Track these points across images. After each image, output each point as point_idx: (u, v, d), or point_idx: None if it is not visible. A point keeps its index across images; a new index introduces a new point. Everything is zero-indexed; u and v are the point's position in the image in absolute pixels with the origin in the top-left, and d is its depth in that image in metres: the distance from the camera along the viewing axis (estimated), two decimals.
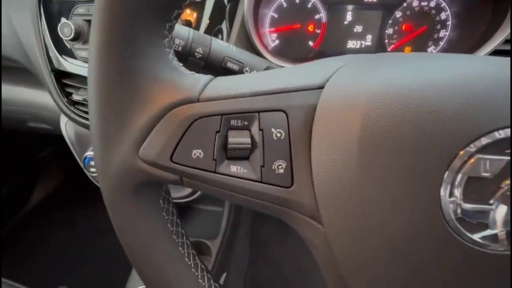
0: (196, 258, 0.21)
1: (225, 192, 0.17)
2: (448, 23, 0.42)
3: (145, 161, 0.16)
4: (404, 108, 0.13)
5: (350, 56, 0.18)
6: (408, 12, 0.42)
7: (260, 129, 0.16)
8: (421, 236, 0.13)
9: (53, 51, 0.44)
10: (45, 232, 1.06)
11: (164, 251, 0.19)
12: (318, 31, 0.45)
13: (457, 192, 0.13)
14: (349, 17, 0.44)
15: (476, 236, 0.13)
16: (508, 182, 0.12)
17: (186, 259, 0.20)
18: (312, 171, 0.15)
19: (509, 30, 0.36)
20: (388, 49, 0.44)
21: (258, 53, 0.41)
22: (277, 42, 0.47)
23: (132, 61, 0.15)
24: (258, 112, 0.16)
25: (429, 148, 0.13)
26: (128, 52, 0.15)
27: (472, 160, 0.12)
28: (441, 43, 0.43)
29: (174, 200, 0.64)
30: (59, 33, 0.39)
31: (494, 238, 0.13)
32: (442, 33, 0.42)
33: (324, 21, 0.44)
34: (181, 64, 0.17)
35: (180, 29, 0.25)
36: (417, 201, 0.13)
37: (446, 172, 0.13)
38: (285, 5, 0.44)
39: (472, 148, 0.12)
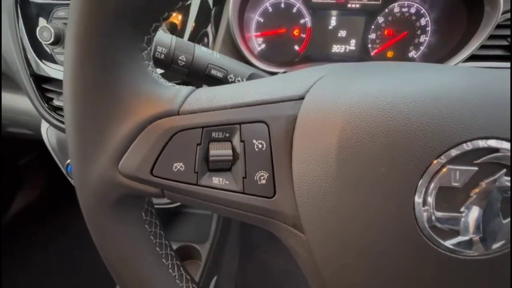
0: (181, 268, 0.21)
1: (208, 204, 0.17)
2: (427, 28, 0.43)
3: (125, 175, 0.16)
4: (379, 121, 0.13)
5: (331, 66, 0.18)
6: (389, 18, 0.43)
7: (242, 141, 0.16)
8: (397, 243, 0.14)
9: (32, 55, 0.43)
10: (25, 243, 1.01)
11: (147, 265, 0.19)
12: (304, 35, 0.46)
13: (430, 201, 0.13)
14: (333, 22, 0.44)
15: (449, 243, 0.13)
16: (476, 190, 0.13)
17: (170, 270, 0.20)
18: (293, 182, 0.15)
19: (483, 37, 0.37)
20: (372, 54, 0.45)
21: (243, 58, 0.41)
22: (263, 46, 0.47)
23: (109, 74, 0.15)
24: (239, 123, 0.16)
25: (402, 159, 0.13)
26: (104, 65, 0.15)
27: (443, 170, 0.13)
28: (422, 48, 0.44)
29: (162, 206, 0.62)
30: (38, 37, 0.38)
31: (465, 244, 0.13)
32: (422, 38, 0.44)
33: (309, 26, 0.45)
34: (160, 76, 0.17)
35: (162, 36, 0.25)
36: (392, 210, 0.13)
37: (419, 182, 0.13)
38: (270, 9, 0.44)
39: (442, 159, 0.13)
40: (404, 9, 0.42)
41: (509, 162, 0.13)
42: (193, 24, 0.39)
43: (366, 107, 0.14)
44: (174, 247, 0.67)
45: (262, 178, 0.16)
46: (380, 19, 0.43)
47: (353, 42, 0.45)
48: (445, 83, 0.14)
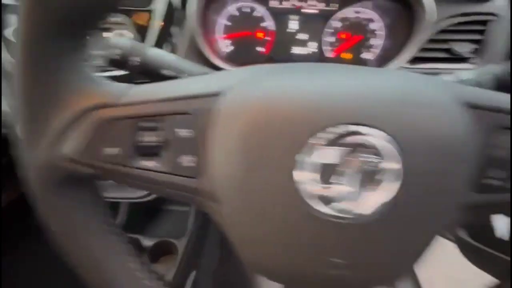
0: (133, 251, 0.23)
1: (140, 184, 0.20)
2: (381, 33, 0.47)
3: (64, 158, 0.19)
4: (271, 111, 0.17)
5: (256, 66, 0.21)
6: (345, 23, 0.47)
7: (170, 129, 0.18)
8: (287, 212, 0.17)
9: (5, 53, 0.44)
10: (7, 243, 1.01)
11: (93, 242, 0.21)
12: (268, 38, 0.49)
13: (311, 175, 0.16)
14: (294, 26, 0.48)
15: (329, 210, 0.17)
16: (349, 167, 0.16)
17: (115, 247, 0.22)
18: (213, 164, 0.18)
19: (418, 43, 0.41)
20: (329, 56, 0.49)
21: (206, 59, 0.44)
22: (230, 48, 0.50)
23: (50, 74, 0.18)
24: (168, 114, 0.18)
25: (285, 140, 0.16)
26: (46, 66, 0.17)
27: (320, 148, 0.16)
28: (377, 51, 0.48)
29: (134, 200, 0.64)
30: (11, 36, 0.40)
31: (342, 211, 0.17)
32: (376, 42, 0.47)
33: (272, 29, 0.48)
34: (101, 75, 0.20)
35: (117, 39, 0.27)
36: (280, 184, 0.17)
37: (300, 159, 0.16)
38: (236, 13, 0.47)
39: (316, 139, 0.16)
40: (358, 14, 0.46)
41: (371, 143, 0.16)
42: (161, 24, 0.42)
43: (264, 100, 0.17)
44: (151, 242, 0.69)
45: (187, 161, 0.19)
46: (337, 23, 0.47)
47: (313, 44, 0.49)
48: (332, 80, 0.17)
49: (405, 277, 0.20)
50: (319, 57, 0.49)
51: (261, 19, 0.47)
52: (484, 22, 0.45)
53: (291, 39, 0.48)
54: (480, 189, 0.18)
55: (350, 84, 0.17)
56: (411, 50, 0.42)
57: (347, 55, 0.49)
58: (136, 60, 0.27)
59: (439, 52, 0.46)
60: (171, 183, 0.19)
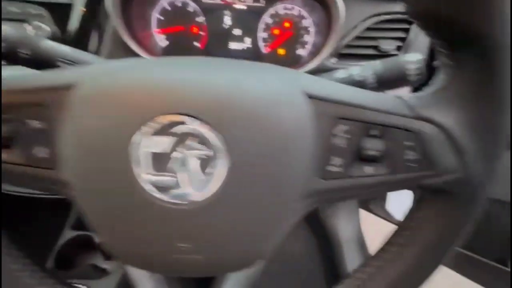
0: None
1: None
2: (310, 29, 0.48)
3: None
4: (108, 100, 0.18)
5: (117, 61, 0.21)
6: (276, 19, 0.48)
7: (21, 121, 0.19)
8: (129, 202, 0.18)
9: None
10: None
11: None
12: (202, 33, 0.49)
13: (145, 164, 0.17)
14: (227, 21, 0.48)
15: (165, 197, 0.17)
16: (178, 155, 0.17)
17: None
18: (65, 155, 0.19)
19: (334, 41, 0.43)
20: (264, 52, 0.50)
21: (136, 54, 0.44)
22: (166, 43, 0.50)
23: None
24: (20, 105, 0.19)
25: (119, 131, 0.17)
26: None
27: (151, 138, 0.17)
28: (308, 47, 0.49)
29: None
30: None
31: (179, 197, 0.18)
32: (307, 38, 0.49)
33: (205, 24, 0.48)
34: None
35: (7, 30, 0.27)
36: (119, 175, 0.17)
37: (133, 149, 0.17)
38: (168, 7, 0.47)
39: (147, 129, 0.17)
40: (287, 11, 0.47)
41: (198, 132, 0.17)
42: (83, 10, 0.41)
43: (106, 91, 0.18)
44: (72, 235, 0.68)
45: (42, 152, 0.19)
46: (268, 19, 0.48)
47: (248, 40, 0.49)
48: (173, 72, 0.18)
49: (260, 262, 0.21)
50: (255, 53, 0.50)
51: (194, 14, 0.48)
52: (408, 21, 0.47)
53: (226, 35, 0.49)
54: (325, 176, 0.20)
55: (187, 76, 0.18)
56: (328, 48, 0.43)
57: (282, 51, 0.50)
58: (25, 52, 0.27)
59: (367, 49, 0.48)
60: (28, 174, 0.19)
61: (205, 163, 0.17)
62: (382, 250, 0.24)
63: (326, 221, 0.87)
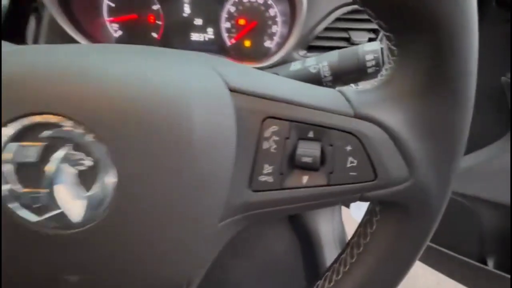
0: None
1: None
2: (277, 19, 0.44)
3: None
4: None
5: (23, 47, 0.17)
6: (240, 7, 0.44)
7: None
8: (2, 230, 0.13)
9: None
10: None
11: None
12: (159, 22, 0.45)
13: (11, 180, 0.13)
14: (187, 9, 0.44)
15: (41, 219, 0.13)
16: (52, 166, 0.13)
17: None
18: None
19: (298, 31, 0.39)
20: (229, 43, 0.46)
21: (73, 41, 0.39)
22: (119, 33, 0.45)
23: None
24: None
25: None
26: None
27: (13, 145, 0.13)
28: (275, 38, 0.46)
29: None
30: None
31: (56, 219, 0.14)
32: (274, 29, 0.45)
33: (161, 12, 0.44)
34: None
35: None
36: None
37: None
38: None
39: (8, 132, 0.13)
40: (252, 0, 0.43)
41: (74, 137, 0.13)
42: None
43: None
44: None
45: None
46: (232, 8, 0.44)
47: (210, 30, 0.45)
48: (41, 62, 0.14)
49: (194, 281, 0.17)
50: (219, 44, 0.46)
51: (149, 1, 0.43)
52: None
53: (185, 24, 0.45)
54: (254, 187, 0.16)
55: (65, 64, 0.14)
56: (293, 39, 0.40)
57: (248, 43, 0.46)
58: None
59: (339, 41, 0.45)
60: None
61: (87, 177, 0.13)
62: (339, 264, 0.21)
63: (307, 220, 0.84)
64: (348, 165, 0.15)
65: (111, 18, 0.44)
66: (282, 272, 0.89)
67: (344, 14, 0.44)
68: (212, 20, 0.45)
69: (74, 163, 0.13)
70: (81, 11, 0.41)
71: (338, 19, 0.44)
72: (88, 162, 0.13)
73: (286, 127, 0.16)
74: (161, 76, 0.14)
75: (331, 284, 0.20)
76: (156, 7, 0.43)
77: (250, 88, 0.16)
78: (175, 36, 0.46)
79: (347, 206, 0.81)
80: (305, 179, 0.16)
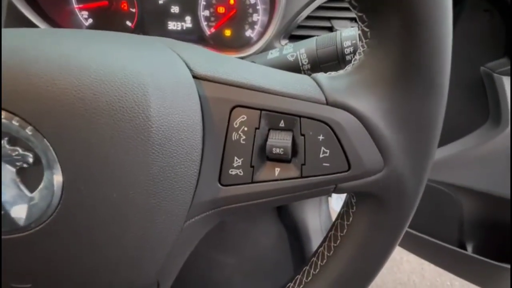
0: None
1: None
2: (258, 7, 0.43)
3: None
4: None
5: None
6: None
7: None
8: None
9: None
10: None
11: None
12: (133, 9, 0.42)
13: None
14: None
15: None
16: None
17: None
18: None
19: (278, 19, 0.38)
20: (208, 32, 0.44)
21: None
22: (90, 21, 0.42)
23: None
24: None
25: None
26: None
27: None
28: (256, 27, 0.44)
29: None
30: None
31: (4, 221, 0.12)
32: (255, 17, 0.43)
33: None
34: None
35: None
36: None
37: None
38: None
39: None
40: None
41: (9, 130, 0.11)
42: None
43: None
44: None
45: None
46: None
47: (188, 19, 0.43)
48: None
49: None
50: (197, 34, 0.44)
51: None
52: None
53: (162, 12, 0.43)
54: (223, 181, 0.15)
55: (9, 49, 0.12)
56: (273, 27, 0.38)
57: (228, 32, 0.44)
58: None
59: (320, 30, 0.44)
60: None
61: (28, 173, 0.12)
62: (318, 258, 0.20)
63: (294, 211, 0.84)
64: (321, 155, 0.15)
65: (81, 5, 0.41)
66: (271, 266, 0.90)
67: (326, 2, 0.43)
68: (190, 8, 0.43)
69: (12, 161, 0.12)
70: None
71: (320, 7, 0.43)
72: (27, 159, 0.12)
73: (256, 116, 0.15)
74: (114, 60, 0.13)
75: (309, 278, 0.19)
76: None
77: (216, 75, 0.15)
78: (150, 24, 0.43)
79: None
80: (277, 171, 0.15)
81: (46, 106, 0.11)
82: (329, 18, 0.43)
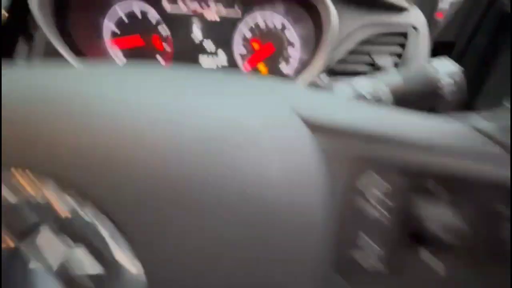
0: None
1: None
2: (295, 42, 0.41)
3: None
4: None
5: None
6: (256, 31, 0.41)
7: None
8: None
9: None
10: None
11: None
12: (168, 49, 0.41)
13: None
14: (197, 34, 0.41)
15: None
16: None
17: None
18: None
19: (324, 54, 0.36)
20: (243, 68, 0.42)
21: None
22: (123, 60, 0.41)
23: None
24: None
25: None
26: None
27: None
28: (294, 63, 0.42)
29: None
30: None
31: None
32: (292, 53, 0.42)
33: (170, 37, 0.40)
34: None
35: None
36: None
37: None
38: (124, 17, 0.39)
39: None
40: (268, 21, 0.40)
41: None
42: (5, 15, 0.32)
43: None
44: None
45: None
46: (246, 31, 0.41)
47: (222, 56, 0.42)
48: None
49: None
50: (233, 71, 0.42)
51: (156, 27, 0.40)
52: (404, 35, 0.42)
53: (196, 50, 0.41)
54: (344, 269, 0.11)
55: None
56: (319, 62, 0.36)
57: (263, 68, 0.43)
58: None
59: (360, 65, 0.41)
60: None
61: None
62: None
63: None
64: (502, 235, 0.10)
65: (114, 43, 0.40)
66: None
67: (368, 36, 0.41)
68: (224, 45, 0.41)
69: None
70: (80, 35, 0.37)
71: (362, 42, 0.41)
72: (94, 269, 0.08)
73: (397, 177, 0.11)
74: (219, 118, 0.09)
75: None
76: (165, 32, 0.40)
77: (337, 122, 0.11)
78: (183, 62, 0.42)
79: None
80: (433, 261, 0.10)
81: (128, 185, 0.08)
82: (369, 53, 0.41)
